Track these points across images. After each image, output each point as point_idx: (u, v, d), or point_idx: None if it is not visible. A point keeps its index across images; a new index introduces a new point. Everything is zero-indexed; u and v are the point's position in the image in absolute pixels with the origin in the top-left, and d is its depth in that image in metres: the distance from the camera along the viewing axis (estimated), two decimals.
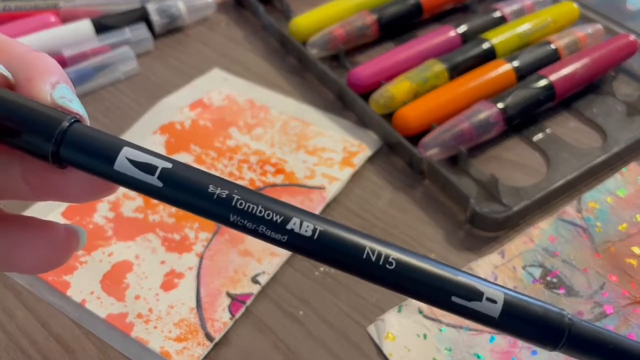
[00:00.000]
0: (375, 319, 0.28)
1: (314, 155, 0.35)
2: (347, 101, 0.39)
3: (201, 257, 0.31)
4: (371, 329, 0.28)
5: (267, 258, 0.30)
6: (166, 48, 0.44)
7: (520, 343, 0.27)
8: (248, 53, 0.44)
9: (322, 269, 0.30)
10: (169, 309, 0.28)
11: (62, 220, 0.32)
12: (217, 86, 0.40)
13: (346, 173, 0.34)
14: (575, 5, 0.43)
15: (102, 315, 0.28)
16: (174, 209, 0.32)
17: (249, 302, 0.29)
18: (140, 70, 0.42)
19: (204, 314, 0.28)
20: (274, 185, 0.34)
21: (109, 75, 0.41)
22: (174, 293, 0.29)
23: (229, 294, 0.29)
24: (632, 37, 0.40)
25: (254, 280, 0.30)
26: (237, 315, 0.28)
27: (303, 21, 0.43)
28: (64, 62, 0.40)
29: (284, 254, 0.31)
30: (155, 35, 0.44)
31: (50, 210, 0.32)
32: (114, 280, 0.30)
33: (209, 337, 0.28)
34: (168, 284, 0.29)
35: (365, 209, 0.33)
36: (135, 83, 0.41)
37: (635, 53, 0.40)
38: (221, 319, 0.28)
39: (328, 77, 0.40)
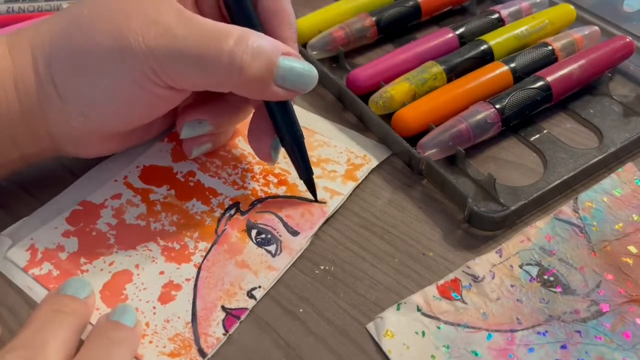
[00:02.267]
0: (374, 316, 0.29)
1: (317, 167, 0.35)
2: (346, 102, 0.39)
3: (199, 269, 0.30)
4: (370, 326, 0.28)
5: (264, 272, 0.30)
6: None
7: (517, 340, 0.28)
8: None
9: (322, 267, 0.31)
10: (164, 323, 0.28)
11: (66, 225, 0.32)
12: None
13: (348, 187, 0.34)
14: (572, 7, 0.43)
15: None
16: (175, 217, 0.32)
17: (243, 317, 0.29)
18: None
19: (198, 329, 0.28)
20: (276, 197, 0.34)
21: None
22: (171, 306, 0.29)
23: (224, 308, 0.29)
24: (628, 38, 0.40)
25: (250, 295, 0.29)
26: (231, 330, 0.28)
27: (303, 23, 0.43)
28: None
29: (281, 268, 0.30)
30: None
31: (55, 215, 0.32)
32: (114, 292, 0.29)
33: (201, 352, 0.27)
34: (165, 297, 0.29)
35: (365, 208, 0.34)
36: None
37: (631, 54, 0.40)
38: (214, 335, 0.28)
39: (328, 78, 0.40)
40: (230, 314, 0.29)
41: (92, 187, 0.34)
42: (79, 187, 0.34)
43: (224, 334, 0.28)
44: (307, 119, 0.38)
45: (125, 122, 0.30)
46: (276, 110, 0.31)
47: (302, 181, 0.33)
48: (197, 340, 0.28)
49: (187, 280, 0.30)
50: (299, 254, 0.31)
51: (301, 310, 0.29)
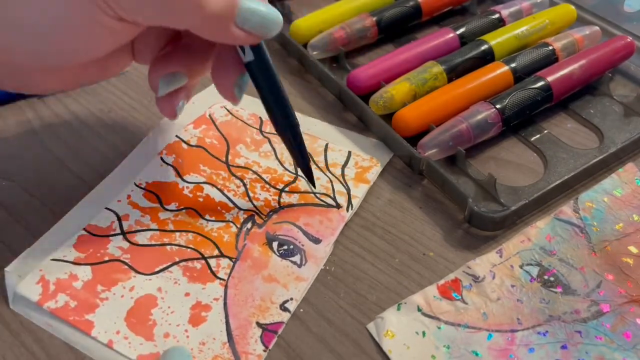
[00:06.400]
0: (374, 316, 0.29)
1: (326, 171, 0.35)
2: (347, 102, 0.39)
3: (225, 286, 0.29)
4: (371, 326, 0.28)
5: (293, 283, 0.30)
6: None
7: (517, 341, 0.28)
8: None
9: (322, 267, 0.31)
10: (200, 346, 0.27)
11: (74, 253, 0.30)
12: (218, 101, 0.39)
13: (362, 190, 0.34)
14: (572, 8, 0.43)
15: (132, 356, 0.27)
16: (190, 236, 0.31)
17: (280, 330, 0.28)
18: (133, 68, 0.42)
19: (237, 348, 0.27)
20: (290, 206, 0.33)
21: None
22: (204, 328, 0.28)
23: (259, 324, 0.28)
24: (629, 39, 0.40)
25: (283, 308, 0.29)
26: (271, 346, 0.27)
27: (303, 23, 0.43)
28: None
29: (309, 277, 0.30)
30: None
31: (60, 244, 0.31)
32: (140, 318, 0.28)
33: None
34: (196, 318, 0.28)
35: (365, 208, 0.34)
36: (139, 84, 0.42)
37: (632, 55, 0.40)
38: (255, 352, 0.27)
39: (328, 78, 0.40)
40: (267, 330, 0.28)
41: (94, 210, 0.32)
42: (80, 211, 0.32)
43: (264, 351, 0.27)
44: (306, 123, 0.38)
45: (69, 55, 0.26)
46: (269, 97, 0.30)
47: (307, 179, 0.32)
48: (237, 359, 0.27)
49: (216, 299, 0.29)
50: (324, 261, 0.31)
51: (301, 310, 0.29)
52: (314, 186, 0.33)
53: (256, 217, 0.32)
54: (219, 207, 0.33)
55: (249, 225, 0.32)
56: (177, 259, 0.30)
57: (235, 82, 0.29)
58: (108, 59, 0.29)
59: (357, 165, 0.35)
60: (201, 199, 0.33)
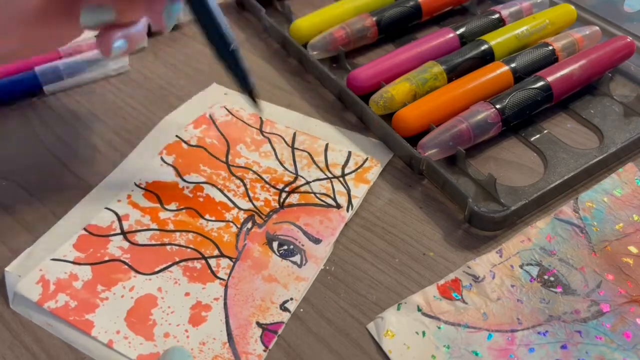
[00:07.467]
0: (374, 316, 0.29)
1: (326, 171, 0.35)
2: (347, 102, 0.39)
3: (225, 286, 0.29)
4: (371, 326, 0.28)
5: (293, 283, 0.30)
6: (167, 49, 0.45)
7: (517, 340, 0.28)
8: (250, 55, 0.44)
9: (322, 267, 0.31)
10: (200, 346, 0.27)
11: (75, 252, 0.30)
12: (218, 101, 0.39)
13: (362, 190, 0.34)
14: (572, 8, 0.43)
15: (132, 356, 0.27)
16: (191, 236, 0.31)
17: (280, 331, 0.28)
18: (133, 68, 0.42)
19: (237, 348, 0.27)
20: (290, 206, 0.33)
21: (100, 70, 0.41)
22: (204, 328, 0.28)
23: (259, 324, 0.28)
24: (629, 39, 0.40)
25: (283, 308, 0.29)
26: (271, 346, 0.27)
27: (304, 23, 0.43)
28: (58, 55, 0.41)
29: (309, 277, 0.30)
30: (151, 34, 0.44)
31: (61, 243, 0.31)
32: (140, 318, 0.28)
33: None
34: (196, 318, 0.28)
35: (365, 208, 0.34)
36: (139, 84, 0.42)
37: (632, 55, 0.40)
38: (255, 352, 0.27)
39: (328, 78, 0.40)
40: (267, 329, 0.28)
41: (94, 210, 0.32)
42: (80, 211, 0.32)
43: (264, 351, 0.27)
44: (306, 123, 0.38)
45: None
46: (206, 24, 0.29)
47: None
48: None
49: (216, 299, 0.29)
50: (325, 261, 0.31)
51: (301, 310, 0.29)
52: (260, 110, 0.31)
53: (256, 217, 0.32)
54: (219, 207, 0.33)
55: (249, 225, 0.32)
56: (177, 259, 0.30)
57: (165, 9, 0.29)
58: (53, 24, 0.28)
59: (357, 165, 0.35)
60: (201, 199, 0.33)
